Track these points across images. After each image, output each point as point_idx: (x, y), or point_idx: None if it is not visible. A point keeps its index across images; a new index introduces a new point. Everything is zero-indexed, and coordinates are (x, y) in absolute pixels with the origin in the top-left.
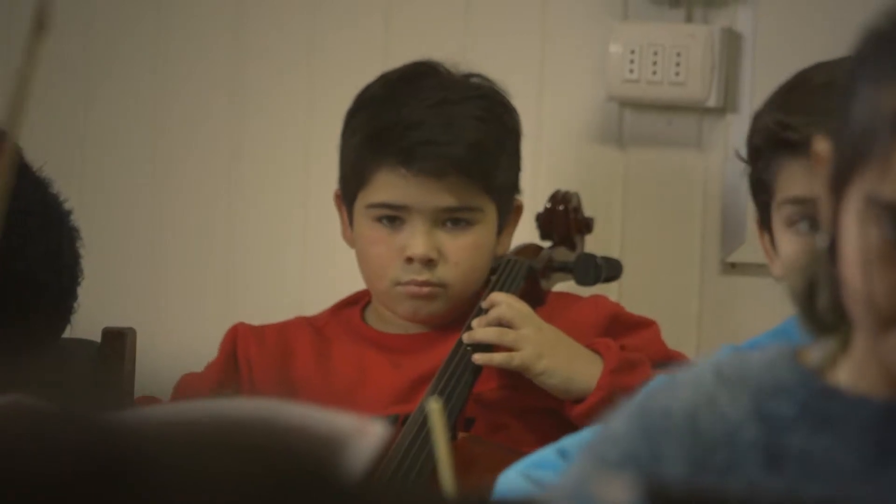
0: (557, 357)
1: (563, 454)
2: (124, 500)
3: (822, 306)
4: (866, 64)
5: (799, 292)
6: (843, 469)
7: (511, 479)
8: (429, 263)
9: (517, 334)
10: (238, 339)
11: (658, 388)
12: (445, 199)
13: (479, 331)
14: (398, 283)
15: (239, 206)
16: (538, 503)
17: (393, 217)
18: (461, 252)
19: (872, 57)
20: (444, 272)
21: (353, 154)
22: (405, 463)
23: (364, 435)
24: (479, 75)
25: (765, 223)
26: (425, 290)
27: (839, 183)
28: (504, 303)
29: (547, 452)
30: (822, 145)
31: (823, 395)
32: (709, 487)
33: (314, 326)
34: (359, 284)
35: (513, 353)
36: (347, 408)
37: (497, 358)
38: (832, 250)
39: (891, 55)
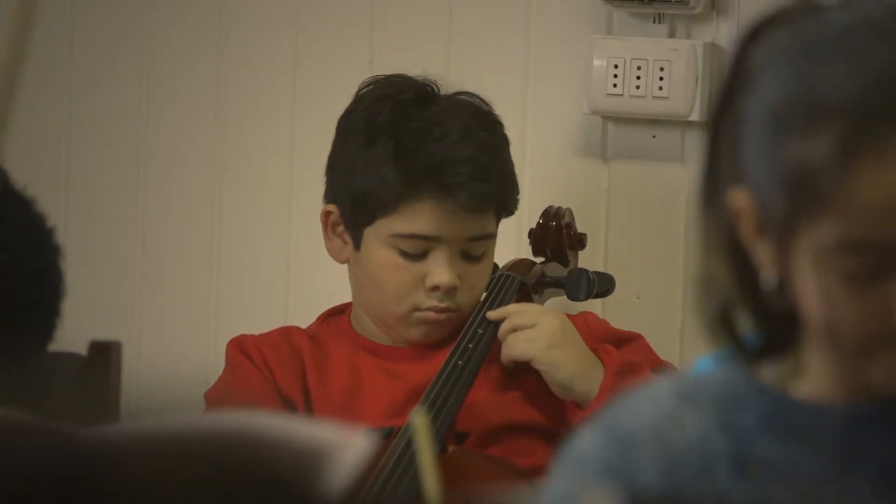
0: (568, 352)
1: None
2: None
3: (746, 335)
4: (779, 111)
5: (718, 328)
6: (810, 476)
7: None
8: (451, 291)
9: (532, 329)
10: (249, 349)
11: (619, 409)
12: (475, 229)
13: (506, 342)
14: (417, 310)
15: (224, 220)
16: None
17: (420, 248)
18: (478, 278)
19: (782, 102)
20: (461, 297)
21: (376, 181)
22: (393, 477)
23: (348, 448)
24: (468, 93)
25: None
26: (443, 316)
27: (784, 233)
28: (516, 311)
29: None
30: (739, 198)
31: (784, 405)
32: (686, 501)
33: (308, 335)
34: (343, 297)
35: (520, 343)
36: (346, 418)
37: (507, 349)
38: (781, 288)
39: (803, 94)
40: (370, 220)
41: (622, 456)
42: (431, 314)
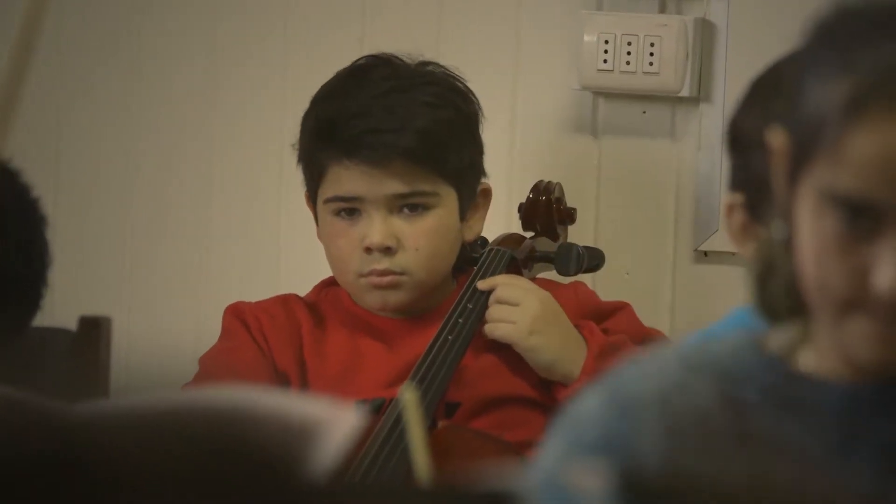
0: (549, 336)
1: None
2: (78, 487)
3: (775, 294)
4: (813, 55)
5: (753, 280)
6: (810, 453)
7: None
8: (387, 251)
9: (514, 308)
10: (246, 316)
11: (625, 375)
12: (394, 186)
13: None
14: (360, 275)
15: (214, 196)
16: (510, 492)
17: (350, 209)
18: (419, 238)
19: (817, 50)
20: (403, 259)
21: (305, 151)
22: (382, 453)
23: (337, 424)
24: (433, 63)
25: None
26: (386, 279)
27: (792, 175)
28: (504, 282)
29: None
30: (776, 138)
31: (788, 380)
32: (683, 475)
33: (306, 304)
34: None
35: (499, 324)
36: (344, 389)
37: (489, 328)
38: (789, 241)
39: (834, 48)
40: (315, 191)
41: (623, 423)
42: (374, 278)
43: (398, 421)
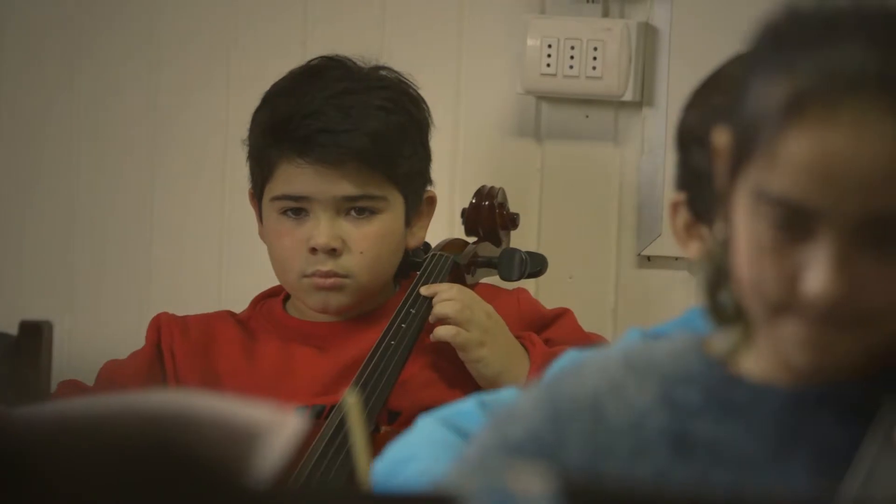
0: (497, 348)
1: (483, 406)
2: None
3: (724, 297)
4: (756, 56)
5: (703, 283)
6: (749, 456)
7: (429, 424)
8: (332, 253)
9: (469, 315)
10: (162, 329)
11: (567, 373)
12: (345, 188)
13: (439, 305)
14: (304, 275)
15: (157, 200)
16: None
17: (297, 209)
18: (365, 241)
19: (761, 49)
20: (348, 262)
21: (255, 148)
22: (326, 457)
23: (281, 427)
24: (386, 68)
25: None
26: (329, 280)
27: (731, 174)
28: (451, 288)
29: (468, 404)
30: (720, 137)
31: (728, 383)
32: (620, 481)
33: (238, 319)
34: (274, 278)
35: (460, 329)
36: (274, 398)
37: (442, 331)
38: (729, 242)
39: (777, 47)
40: (261, 189)
41: (552, 429)
42: (317, 279)
43: (341, 425)
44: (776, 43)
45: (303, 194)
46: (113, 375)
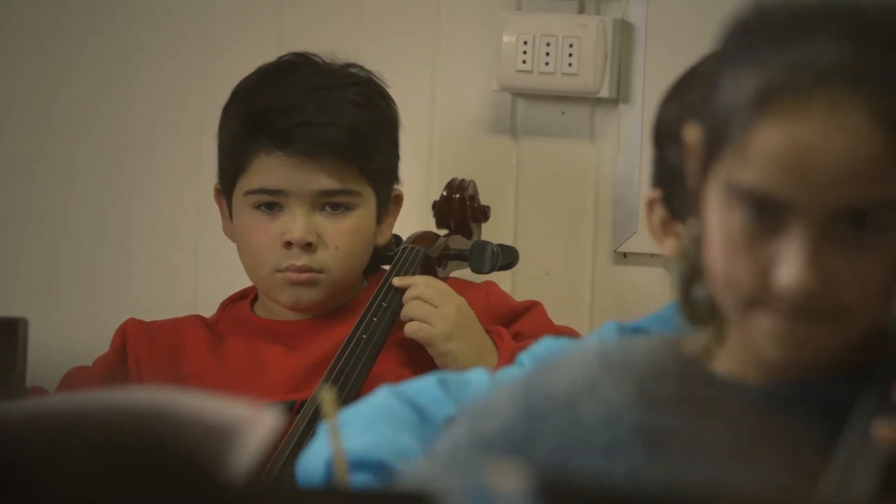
0: (466, 342)
1: (442, 384)
2: None
3: (698, 293)
4: (727, 51)
5: (676, 280)
6: (722, 453)
7: (384, 394)
8: (308, 248)
9: (435, 310)
10: (128, 336)
11: (542, 369)
12: (323, 182)
13: (406, 306)
14: (277, 270)
15: (132, 201)
16: (429, 491)
17: (271, 203)
18: (340, 236)
19: (732, 44)
20: (323, 257)
21: (229, 142)
22: (298, 451)
23: (256, 424)
24: (356, 65)
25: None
26: (304, 275)
27: (703, 169)
28: (423, 282)
29: (427, 380)
30: (691, 132)
31: (702, 381)
32: (593, 479)
33: (206, 323)
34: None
35: (422, 325)
36: (243, 396)
37: (406, 328)
38: (701, 237)
39: (747, 42)
40: (232, 184)
41: (525, 425)
42: (292, 274)
43: (312, 420)
44: (746, 38)
45: (279, 188)
46: (75, 382)
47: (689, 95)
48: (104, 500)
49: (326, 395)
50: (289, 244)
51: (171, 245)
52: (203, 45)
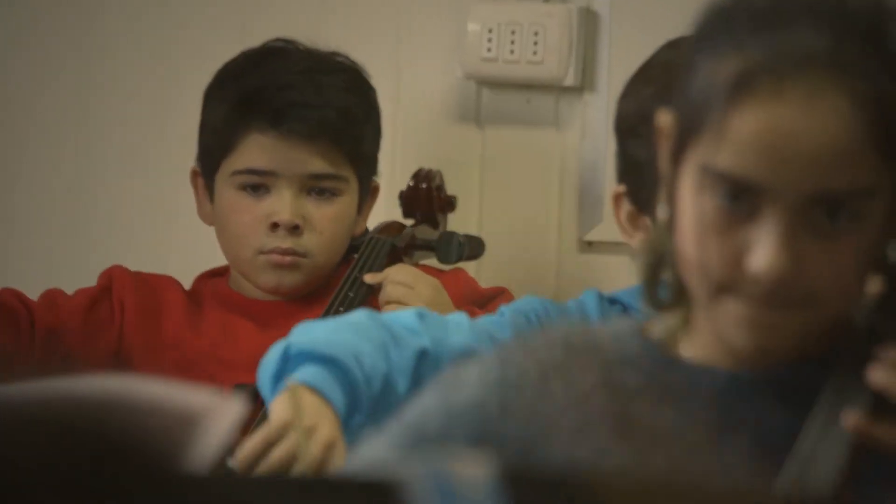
0: None
1: (421, 317)
2: None
3: (666, 278)
4: (705, 37)
5: (644, 267)
6: (688, 438)
7: (360, 313)
8: (294, 230)
9: (411, 291)
10: (114, 278)
11: (514, 348)
12: (315, 164)
13: (384, 293)
14: (261, 252)
15: (91, 183)
16: (394, 480)
17: (257, 185)
18: (326, 221)
19: (710, 30)
20: (308, 241)
21: (219, 122)
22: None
23: (220, 412)
24: (341, 54)
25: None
26: (287, 258)
27: (677, 153)
28: (394, 269)
29: (407, 312)
30: (663, 118)
31: (668, 366)
32: (558, 468)
33: (184, 291)
34: (219, 262)
35: (401, 307)
36: (214, 367)
37: (387, 309)
38: (671, 223)
39: (726, 28)
40: (217, 165)
41: (498, 398)
42: (276, 256)
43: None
44: (725, 23)
45: (269, 169)
46: (57, 299)
47: (645, 89)
48: (61, 493)
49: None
50: (275, 226)
51: (137, 228)
52: (166, 34)
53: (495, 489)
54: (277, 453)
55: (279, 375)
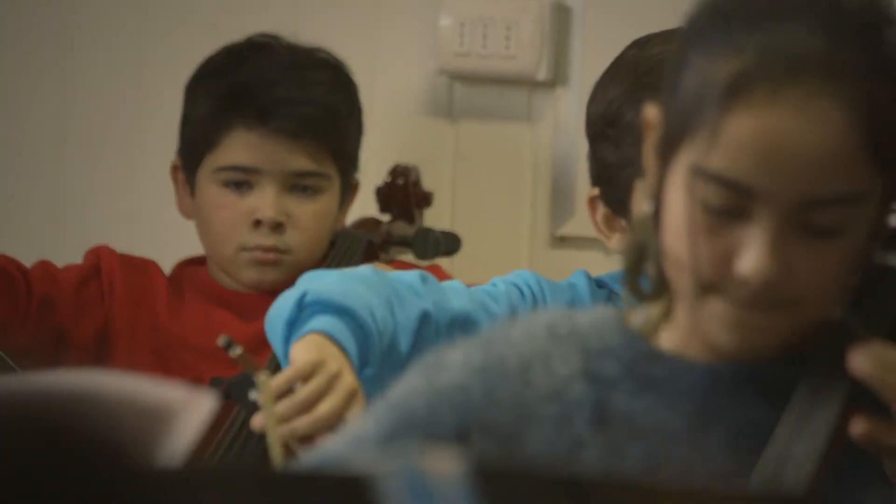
0: None
1: (423, 279)
2: None
3: (647, 269)
4: (698, 35)
5: (627, 259)
6: (666, 430)
7: (365, 267)
8: (277, 228)
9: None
10: (102, 257)
11: (496, 335)
12: (299, 162)
13: None
14: (244, 249)
15: (69, 174)
16: (366, 475)
17: (240, 182)
18: (309, 219)
19: (705, 29)
20: (290, 238)
21: (203, 117)
22: (240, 436)
23: (192, 408)
24: (324, 50)
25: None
26: (270, 255)
27: (666, 151)
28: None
29: (411, 273)
30: (651, 112)
31: (647, 357)
32: (533, 467)
33: (165, 276)
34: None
35: None
36: (190, 357)
37: None
38: (656, 218)
39: (722, 28)
40: (199, 160)
41: (482, 383)
42: (258, 253)
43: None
44: (720, 21)
45: (253, 166)
46: (51, 270)
47: (611, 91)
48: (28, 488)
49: (264, 379)
50: (258, 223)
51: (107, 220)
52: (139, 26)
53: (468, 486)
54: (307, 389)
55: (293, 322)
